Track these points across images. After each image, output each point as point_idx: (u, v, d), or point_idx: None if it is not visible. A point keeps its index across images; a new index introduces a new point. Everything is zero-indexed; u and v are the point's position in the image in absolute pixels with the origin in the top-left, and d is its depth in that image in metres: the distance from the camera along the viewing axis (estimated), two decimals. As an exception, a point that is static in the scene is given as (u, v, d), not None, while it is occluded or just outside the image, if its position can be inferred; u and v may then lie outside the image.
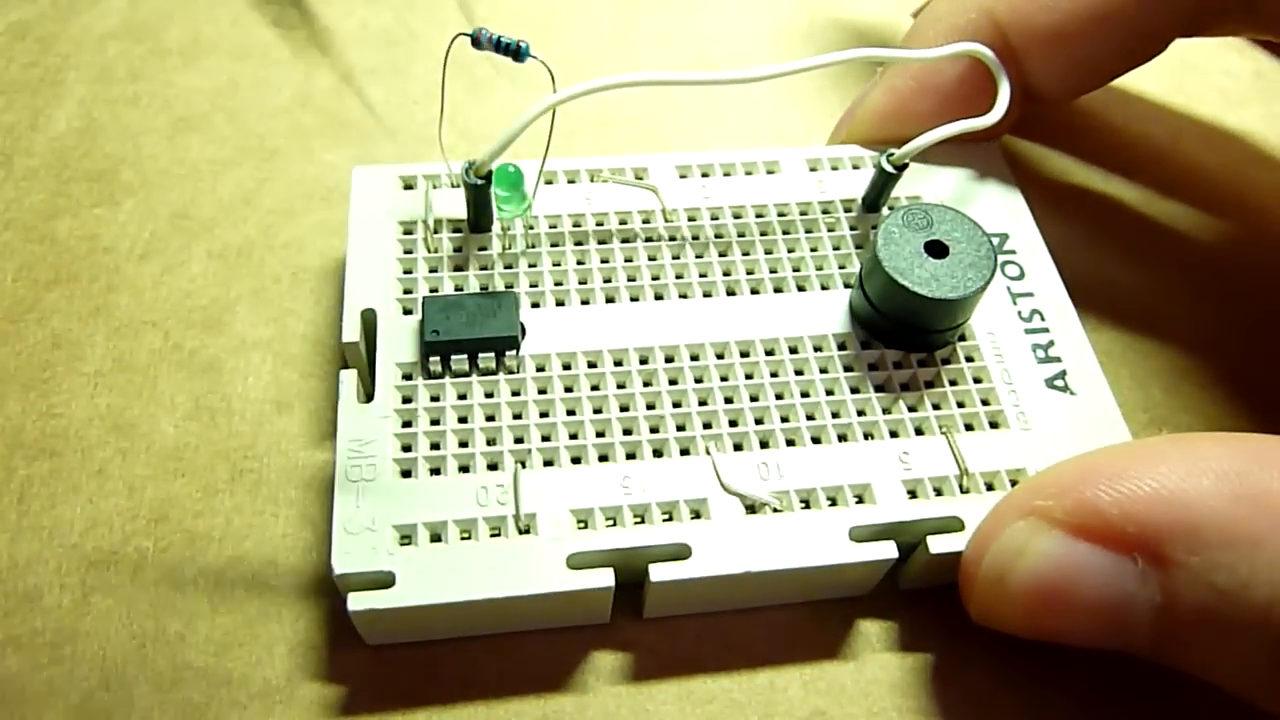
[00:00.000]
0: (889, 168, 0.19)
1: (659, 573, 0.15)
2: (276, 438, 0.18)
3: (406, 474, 0.16)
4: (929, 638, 0.17)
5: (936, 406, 0.18)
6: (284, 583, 0.17)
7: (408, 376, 0.17)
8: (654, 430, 0.17)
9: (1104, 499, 0.14)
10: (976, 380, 0.18)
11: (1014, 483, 0.17)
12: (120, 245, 0.21)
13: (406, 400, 0.17)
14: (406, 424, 0.17)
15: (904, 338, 0.18)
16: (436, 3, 0.26)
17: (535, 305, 0.18)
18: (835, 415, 0.17)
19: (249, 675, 0.16)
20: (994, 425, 0.17)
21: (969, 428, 0.17)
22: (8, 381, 0.19)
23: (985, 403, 0.18)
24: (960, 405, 0.18)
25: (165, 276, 0.20)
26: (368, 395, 0.17)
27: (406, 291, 0.18)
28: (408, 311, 0.18)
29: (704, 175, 0.20)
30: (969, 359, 0.18)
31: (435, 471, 0.16)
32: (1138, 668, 0.14)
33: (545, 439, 0.17)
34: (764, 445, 0.17)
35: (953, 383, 0.18)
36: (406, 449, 0.16)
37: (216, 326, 0.20)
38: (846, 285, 0.19)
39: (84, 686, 0.16)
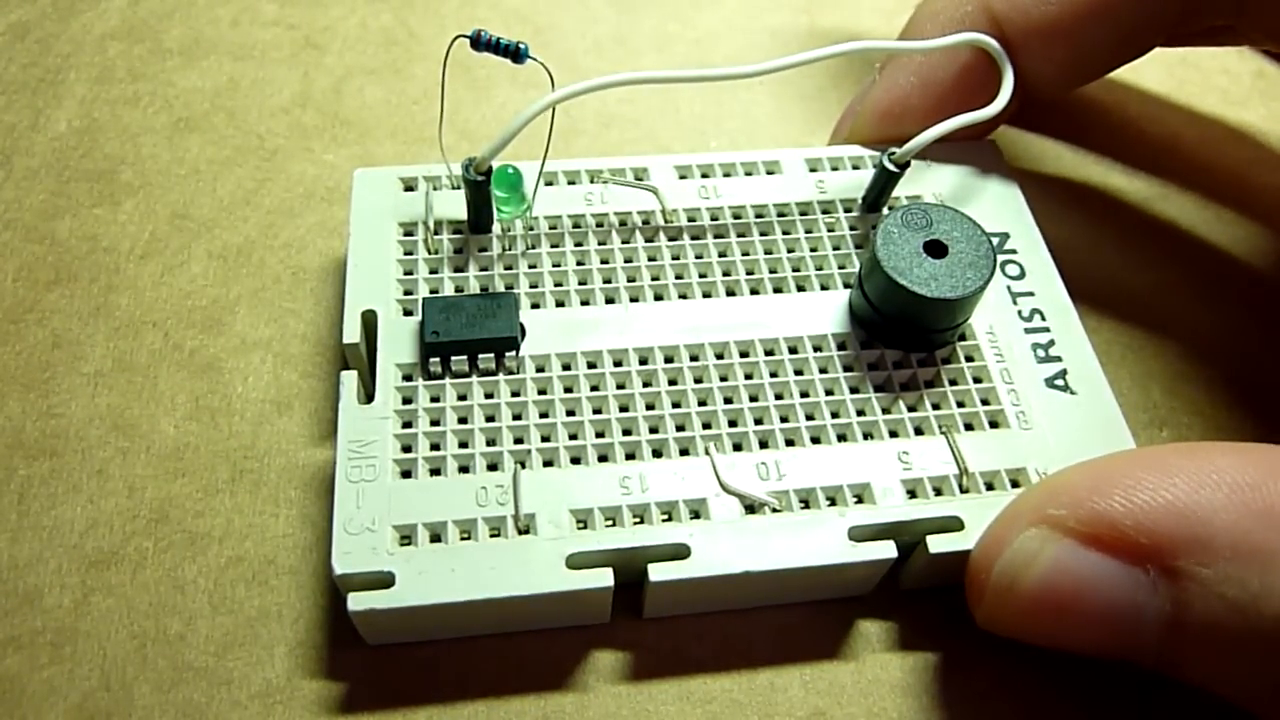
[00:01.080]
0: (890, 166, 0.19)
1: (658, 573, 0.15)
2: (276, 438, 0.18)
3: (406, 474, 0.16)
4: (929, 638, 0.17)
5: (936, 406, 0.18)
6: (284, 583, 0.17)
7: (408, 377, 0.17)
8: (653, 430, 0.17)
9: (1117, 509, 0.14)
10: (976, 380, 0.18)
11: (1014, 483, 0.17)
12: (120, 245, 0.21)
13: (407, 401, 0.17)
14: (407, 425, 0.17)
15: (904, 337, 0.18)
16: (436, 3, 0.26)
17: (535, 305, 0.18)
18: (835, 415, 0.17)
19: (249, 675, 0.16)
20: (994, 425, 0.17)
21: (969, 427, 0.17)
22: (8, 381, 0.19)
23: (985, 402, 0.18)
24: (960, 405, 0.18)
25: (165, 276, 0.20)
26: (368, 396, 0.17)
27: (407, 292, 0.18)
28: (408, 312, 0.18)
29: (704, 176, 0.20)
30: (969, 358, 0.18)
31: (435, 472, 0.16)
32: (1138, 669, 0.14)
33: (545, 439, 0.17)
34: (763, 445, 0.17)
35: (953, 382, 0.18)
36: (407, 449, 0.16)
37: (216, 326, 0.20)
38: (847, 285, 0.19)
39: (84, 686, 0.16)
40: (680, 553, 0.16)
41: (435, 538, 0.16)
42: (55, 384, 0.19)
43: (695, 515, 0.16)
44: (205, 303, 0.20)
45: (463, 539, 0.16)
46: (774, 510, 0.16)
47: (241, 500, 0.18)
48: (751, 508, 0.16)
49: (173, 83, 0.24)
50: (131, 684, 0.16)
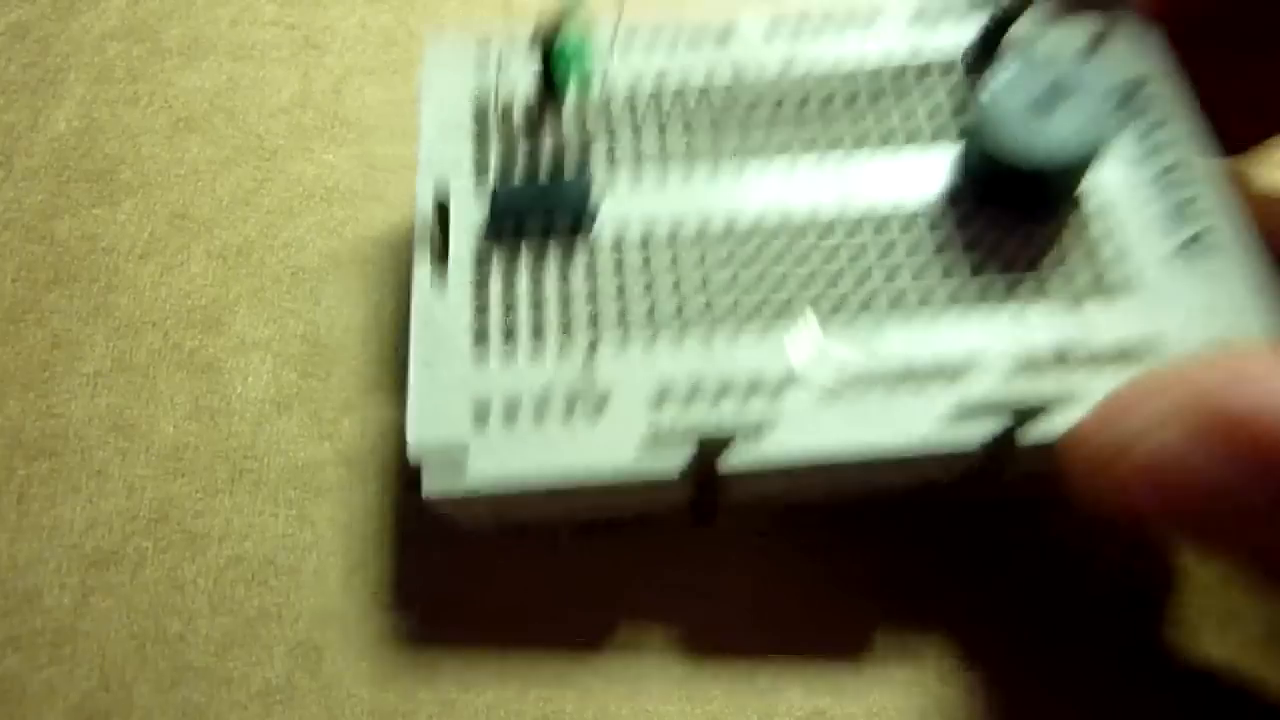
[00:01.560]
0: (1004, 5, 0.17)
1: (738, 452, 0.15)
2: (276, 438, 0.18)
3: (480, 351, 0.16)
4: (930, 638, 0.17)
5: (1055, 272, 0.16)
6: (284, 583, 0.17)
7: (482, 252, 0.17)
8: (735, 305, 0.16)
9: (1239, 405, 0.13)
10: (1100, 244, 0.16)
11: (1138, 358, 0.15)
12: (120, 245, 0.21)
13: (480, 276, 0.16)
14: (480, 302, 0.16)
15: (1018, 196, 0.16)
16: (436, 3, 0.26)
17: (612, 171, 0.17)
18: (942, 278, 0.16)
19: (249, 675, 0.16)
20: (1118, 293, 0.16)
21: (1089, 297, 0.16)
22: (8, 381, 0.19)
23: (1109, 269, 0.16)
24: (1081, 271, 0.16)
25: (165, 276, 0.20)
26: (440, 270, 0.16)
27: (479, 164, 0.18)
28: (480, 182, 0.17)
29: (796, 28, 0.19)
30: (1092, 220, 0.16)
31: (508, 348, 0.16)
32: (1143, 671, 0.14)
33: (622, 313, 0.16)
34: (857, 314, 0.16)
35: (1073, 247, 0.16)
36: (480, 326, 0.16)
37: (216, 326, 0.20)
38: (956, 141, 0.17)
39: (84, 686, 0.16)
40: (761, 431, 0.15)
41: (510, 415, 0.15)
42: (55, 384, 0.19)
43: (777, 393, 0.15)
44: (205, 303, 0.20)
45: (537, 416, 0.15)
46: (866, 386, 0.15)
47: (241, 500, 0.18)
48: (842, 384, 0.15)
49: (172, 83, 0.24)
50: (131, 684, 0.16)
